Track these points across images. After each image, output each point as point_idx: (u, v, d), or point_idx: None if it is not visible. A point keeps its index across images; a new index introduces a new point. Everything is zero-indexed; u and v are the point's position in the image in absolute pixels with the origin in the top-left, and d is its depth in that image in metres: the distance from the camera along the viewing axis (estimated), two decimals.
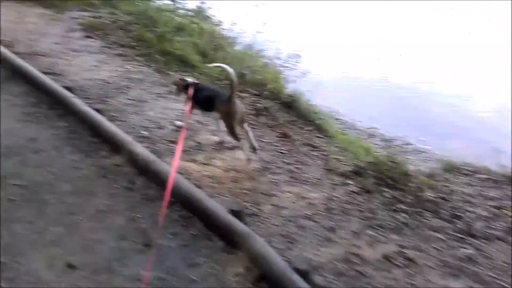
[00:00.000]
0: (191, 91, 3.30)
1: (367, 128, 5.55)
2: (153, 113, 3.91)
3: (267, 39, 7.39)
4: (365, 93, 6.93)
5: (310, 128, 4.45)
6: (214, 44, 6.55)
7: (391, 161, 3.45)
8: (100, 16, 6.48)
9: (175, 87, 3.67)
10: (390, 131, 5.54)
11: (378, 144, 4.83)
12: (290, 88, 5.64)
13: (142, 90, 4.36)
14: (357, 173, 3.37)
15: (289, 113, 4.77)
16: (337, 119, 5.63)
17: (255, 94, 5.21)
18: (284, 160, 3.44)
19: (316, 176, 3.24)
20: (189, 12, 8.04)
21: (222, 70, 3.48)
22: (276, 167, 3.29)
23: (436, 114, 6.37)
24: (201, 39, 6.57)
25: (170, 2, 8.67)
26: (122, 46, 5.52)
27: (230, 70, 3.08)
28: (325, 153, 3.71)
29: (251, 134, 3.32)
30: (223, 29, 8.03)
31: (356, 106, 6.23)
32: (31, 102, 3.80)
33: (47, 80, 4.02)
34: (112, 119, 3.64)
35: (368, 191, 3.09)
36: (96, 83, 4.35)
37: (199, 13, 8.06)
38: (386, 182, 3.20)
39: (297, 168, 3.34)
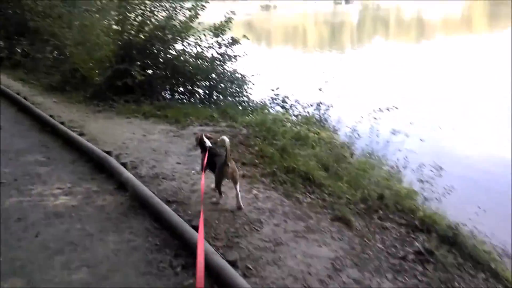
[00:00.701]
0: (206, 155, 4.00)
1: None
2: (294, 263, 3.07)
3: (398, 147, 6.49)
4: None
5: (482, 274, 3.40)
6: (335, 155, 5.86)
7: None
8: (221, 130, 6.24)
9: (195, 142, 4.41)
10: None
11: None
12: (430, 208, 4.67)
13: (276, 226, 3.60)
14: None
15: (451, 252, 3.66)
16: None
17: (403, 224, 4.18)
18: None
19: None
20: (303, 119, 7.66)
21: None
22: None
23: None
24: (321, 150, 5.94)
25: (281, 110, 8.48)
26: (244, 164, 5.01)
27: (226, 140, 3.77)
28: None
29: (239, 194, 3.91)
30: (337, 132, 7.42)
31: None
32: (154, 245, 3.24)
33: (171, 214, 3.49)
34: (247, 273, 2.87)
35: None
36: (223, 216, 3.73)
37: (311, 119, 7.61)
38: None
39: None
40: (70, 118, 6.66)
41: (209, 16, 8.95)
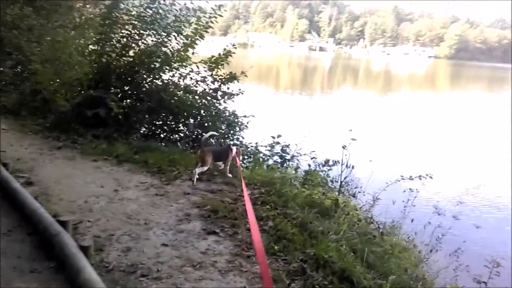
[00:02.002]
0: None
1: None
2: None
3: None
4: None
5: None
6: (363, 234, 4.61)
7: None
8: (218, 190, 4.81)
9: None
10: None
11: None
12: None
13: None
14: None
15: None
16: None
17: None
18: None
19: None
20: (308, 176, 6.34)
21: None
22: None
23: None
24: (345, 225, 4.64)
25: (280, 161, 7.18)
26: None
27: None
28: None
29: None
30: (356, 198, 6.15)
31: None
32: None
33: None
34: None
35: None
36: None
37: (316, 176, 6.30)
38: None
39: None
40: (18, 156, 5.05)
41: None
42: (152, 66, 7.13)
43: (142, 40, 7.15)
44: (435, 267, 4.86)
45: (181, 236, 3.60)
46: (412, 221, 5.27)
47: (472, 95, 34.41)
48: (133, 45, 7.12)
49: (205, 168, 5.05)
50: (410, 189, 5.28)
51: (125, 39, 7.10)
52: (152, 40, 7.20)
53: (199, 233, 3.69)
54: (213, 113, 7.33)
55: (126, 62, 7.07)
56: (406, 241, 5.35)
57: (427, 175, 5.66)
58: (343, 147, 5.31)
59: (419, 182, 5.41)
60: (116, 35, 7.09)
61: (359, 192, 5.58)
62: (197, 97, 7.32)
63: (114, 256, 3.19)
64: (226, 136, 7.58)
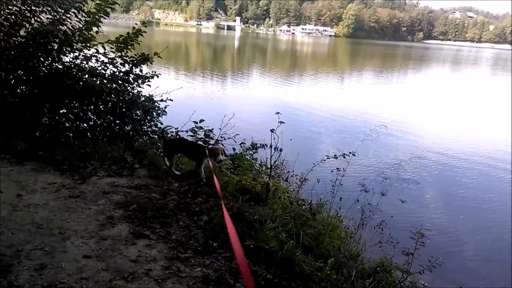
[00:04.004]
0: None
1: None
2: None
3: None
4: None
5: None
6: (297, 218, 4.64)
7: None
8: (143, 185, 4.37)
9: None
10: None
11: None
12: None
13: None
14: None
15: None
16: None
17: None
18: None
19: None
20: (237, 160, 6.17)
21: None
22: None
23: None
24: (278, 212, 4.60)
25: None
26: (198, 252, 3.28)
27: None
28: None
29: None
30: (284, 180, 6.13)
31: None
32: None
33: None
34: None
35: None
36: None
37: (244, 160, 6.16)
38: None
39: None
40: None
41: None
42: (50, 47, 6.21)
43: (35, 18, 6.17)
44: (363, 241, 5.04)
45: (106, 244, 3.16)
46: (340, 200, 5.38)
47: (370, 72, 37.09)
48: (24, 23, 6.11)
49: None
50: (337, 168, 5.37)
51: (13, 17, 6.06)
52: (48, 18, 6.25)
53: (126, 238, 3.27)
54: (127, 99, 6.68)
55: (17, 43, 6.05)
56: (335, 217, 5.48)
57: (350, 153, 5.82)
58: (271, 130, 5.17)
59: (343, 160, 5.53)
60: (2, 12, 6.01)
61: (292, 176, 5.53)
62: (105, 81, 6.60)
63: (25, 277, 2.67)
64: (143, 123, 7.01)
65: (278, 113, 5.06)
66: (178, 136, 6.15)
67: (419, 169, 9.29)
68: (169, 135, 6.06)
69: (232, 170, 5.47)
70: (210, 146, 4.88)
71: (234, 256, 3.25)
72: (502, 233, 6.79)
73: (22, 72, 6.07)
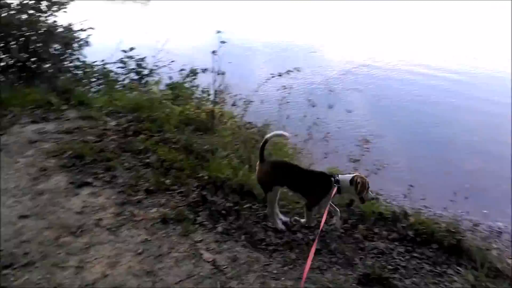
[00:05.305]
0: None
1: None
2: None
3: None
4: None
5: None
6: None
7: None
8: (74, 127, 3.91)
9: None
10: None
11: None
12: None
13: None
14: None
15: None
16: None
17: None
18: None
19: None
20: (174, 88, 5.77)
21: None
22: None
23: None
24: (227, 139, 4.43)
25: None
26: (151, 192, 3.04)
27: None
28: None
29: None
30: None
31: None
32: None
33: None
34: None
35: None
36: None
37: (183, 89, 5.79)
38: None
39: None
40: None
41: None
42: None
43: None
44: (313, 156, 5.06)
45: (44, 199, 2.81)
46: (287, 118, 5.26)
47: None
48: None
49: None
50: (283, 86, 5.17)
51: None
52: None
53: (66, 189, 2.94)
54: (42, 31, 5.81)
55: None
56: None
57: (295, 68, 5.61)
58: (213, 52, 4.75)
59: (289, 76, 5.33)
60: None
61: (238, 99, 5.25)
62: (13, 12, 5.64)
63: None
64: (63, 58, 6.22)
65: (218, 32, 4.62)
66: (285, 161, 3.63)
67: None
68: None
69: (172, 101, 5.09)
70: (355, 174, 2.80)
71: (188, 191, 3.06)
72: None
73: None
